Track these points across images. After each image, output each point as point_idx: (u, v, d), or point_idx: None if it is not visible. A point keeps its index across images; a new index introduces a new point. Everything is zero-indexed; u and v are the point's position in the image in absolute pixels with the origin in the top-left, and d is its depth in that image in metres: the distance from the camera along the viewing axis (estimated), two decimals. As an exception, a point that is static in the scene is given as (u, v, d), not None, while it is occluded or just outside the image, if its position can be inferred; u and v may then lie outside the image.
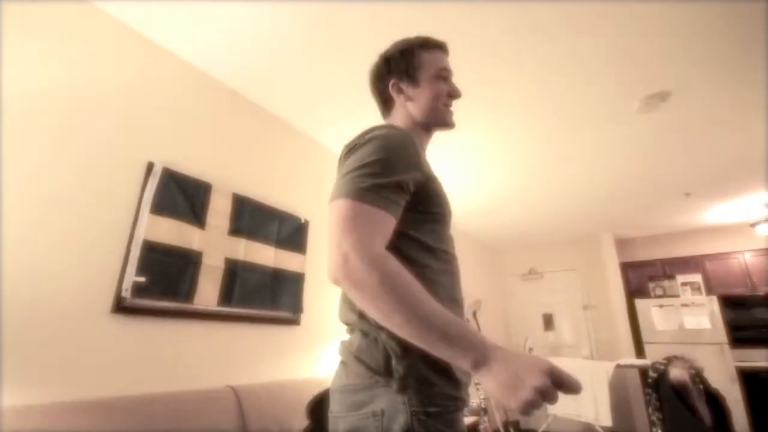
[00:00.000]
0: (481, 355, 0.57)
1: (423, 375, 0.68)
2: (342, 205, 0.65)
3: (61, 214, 1.39)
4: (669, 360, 2.72)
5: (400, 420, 0.65)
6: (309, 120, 2.44)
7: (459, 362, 0.58)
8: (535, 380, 0.52)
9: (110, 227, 1.51)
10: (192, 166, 1.81)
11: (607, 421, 3.39)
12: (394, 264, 0.61)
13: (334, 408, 0.74)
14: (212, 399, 1.50)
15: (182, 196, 1.72)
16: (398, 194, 0.69)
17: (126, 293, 1.48)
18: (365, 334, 0.73)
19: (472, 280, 4.68)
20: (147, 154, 1.67)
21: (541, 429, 3.99)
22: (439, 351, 0.58)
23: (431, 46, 0.93)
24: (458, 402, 0.72)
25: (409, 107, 0.90)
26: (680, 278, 4.43)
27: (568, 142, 2.71)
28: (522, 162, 3.02)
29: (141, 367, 1.50)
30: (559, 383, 0.53)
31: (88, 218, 1.45)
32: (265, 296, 1.98)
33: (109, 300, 1.46)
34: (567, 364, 3.82)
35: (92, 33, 1.59)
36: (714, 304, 3.96)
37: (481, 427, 3.25)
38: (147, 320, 1.55)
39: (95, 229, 1.47)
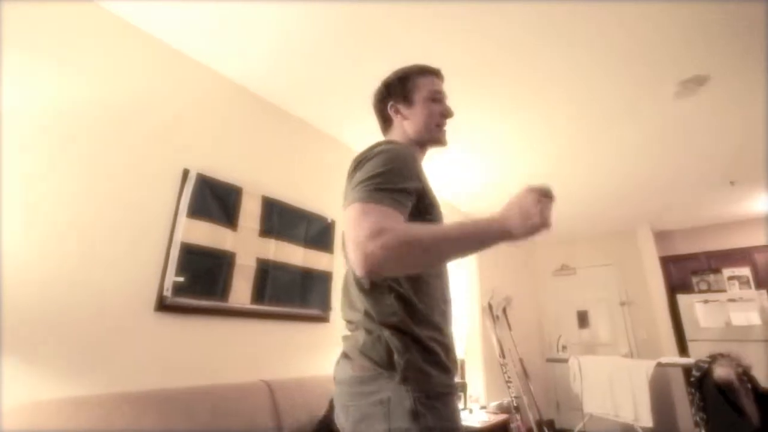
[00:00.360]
0: (502, 226, 0.74)
1: (420, 367, 0.78)
2: (354, 208, 0.72)
3: (108, 219, 1.50)
4: (714, 358, 2.59)
5: (406, 404, 0.74)
6: (333, 122, 2.50)
7: (497, 241, 0.74)
8: (532, 204, 0.73)
9: (152, 231, 1.62)
10: (224, 171, 1.91)
11: (647, 421, 3.25)
12: (402, 226, 0.70)
13: (342, 398, 0.83)
14: (248, 392, 1.58)
15: (215, 200, 1.81)
16: (405, 197, 0.77)
17: (167, 292, 1.58)
18: (369, 332, 0.82)
19: (501, 276, 4.61)
20: (182, 162, 1.77)
21: (577, 428, 3.89)
22: (479, 247, 0.75)
23: (426, 72, 1.05)
24: (450, 387, 0.83)
25: (405, 125, 1.02)
26: (727, 272, 4.18)
27: (601, 131, 2.62)
28: (552, 153, 2.95)
29: (181, 362, 1.60)
30: (542, 194, 0.75)
31: (132, 223, 1.57)
32: (295, 294, 2.05)
33: (152, 299, 1.56)
34: (604, 363, 3.70)
35: (131, 47, 1.70)
36: (764, 299, 3.71)
37: (513, 425, 3.21)
38: (186, 318, 1.64)
39: (139, 233, 1.58)
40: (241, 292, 1.81)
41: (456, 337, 0.95)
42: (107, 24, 1.64)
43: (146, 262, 1.57)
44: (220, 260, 1.76)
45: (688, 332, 4.05)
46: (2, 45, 1.34)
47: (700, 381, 2.60)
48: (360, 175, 0.78)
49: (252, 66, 1.99)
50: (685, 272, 4.52)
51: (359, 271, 0.65)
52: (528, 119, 2.47)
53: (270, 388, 1.66)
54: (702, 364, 2.64)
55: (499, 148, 2.86)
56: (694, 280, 4.39)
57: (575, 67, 2.00)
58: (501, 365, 3.86)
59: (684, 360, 3.47)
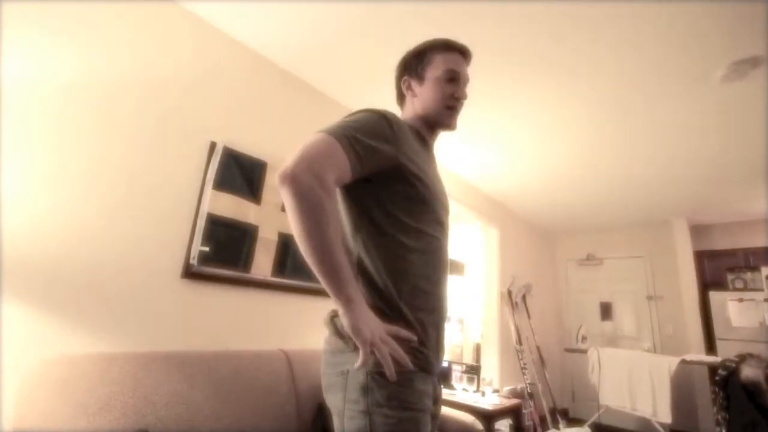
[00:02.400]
0: (348, 302, 0.72)
1: None
2: (318, 135, 0.75)
3: (140, 188, 1.56)
4: (742, 358, 2.49)
5: (360, 378, 0.76)
6: (358, 98, 2.48)
7: (334, 297, 0.72)
8: (368, 336, 0.70)
9: (180, 201, 1.68)
10: (249, 146, 1.94)
11: (666, 417, 3.19)
12: (327, 197, 0.71)
13: (321, 367, 0.88)
14: (267, 359, 1.64)
15: (241, 173, 1.85)
16: (365, 151, 0.77)
17: (194, 260, 1.65)
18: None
19: (524, 263, 4.55)
20: (210, 135, 1.81)
21: (591, 419, 3.87)
22: (324, 283, 0.72)
23: (449, 48, 0.99)
24: (413, 360, 0.79)
25: (414, 103, 1.00)
26: (765, 270, 3.95)
27: (635, 116, 2.49)
28: (585, 136, 2.82)
29: (205, 327, 1.68)
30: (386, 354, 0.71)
31: (163, 192, 1.63)
32: (315, 269, 2.09)
33: (180, 266, 1.63)
34: (625, 356, 3.62)
35: (160, 22, 1.73)
36: (806, 301, 3.50)
37: (525, 411, 3.23)
38: (211, 285, 1.71)
39: (168, 203, 1.64)
40: (262, 264, 1.87)
41: (444, 318, 0.92)
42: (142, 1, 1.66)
43: (175, 231, 1.64)
44: (244, 232, 1.82)
45: (718, 331, 3.89)
46: (27, 18, 1.39)
47: (725, 380, 2.51)
48: (350, 115, 0.84)
49: (279, 40, 1.99)
50: (720, 269, 4.30)
51: (278, 178, 0.70)
52: (561, 100, 2.37)
53: (288, 357, 1.72)
54: (729, 364, 2.55)
55: (526, 131, 2.77)
56: (730, 277, 4.19)
57: (612, 46, 1.88)
58: (517, 351, 3.85)
59: (710, 358, 3.35)
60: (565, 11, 1.69)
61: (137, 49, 1.64)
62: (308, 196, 0.69)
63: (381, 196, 0.84)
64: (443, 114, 0.97)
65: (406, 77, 1.02)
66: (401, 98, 1.05)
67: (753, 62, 1.90)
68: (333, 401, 0.81)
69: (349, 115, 0.84)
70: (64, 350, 1.29)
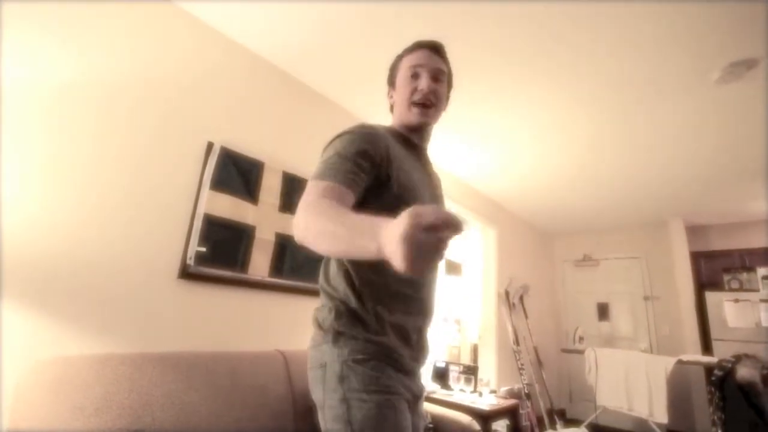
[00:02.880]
0: (377, 244, 0.52)
1: (351, 329, 0.80)
2: (306, 187, 0.76)
3: (137, 188, 1.56)
4: (738, 358, 2.50)
5: (336, 368, 0.77)
6: (356, 99, 2.48)
7: (369, 255, 0.54)
8: (398, 241, 0.46)
9: (177, 201, 1.67)
10: (246, 146, 1.93)
11: (662, 417, 3.21)
12: (319, 202, 0.68)
13: (307, 364, 0.88)
14: (264, 360, 1.64)
15: (238, 173, 1.84)
16: (353, 166, 0.78)
17: (190, 261, 1.64)
18: (324, 298, 0.87)
19: (521, 263, 4.55)
20: (207, 135, 1.81)
21: (589, 420, 3.88)
22: (353, 253, 0.57)
23: (415, 48, 1.00)
24: (388, 358, 0.81)
25: (395, 110, 1.02)
26: (762, 271, 3.97)
27: (634, 117, 2.50)
28: (580, 137, 2.83)
29: (201, 328, 1.67)
30: (425, 226, 0.46)
31: (160, 192, 1.62)
32: (312, 270, 2.09)
33: (176, 266, 1.63)
34: (622, 357, 3.64)
35: (158, 23, 1.72)
36: (801, 302, 3.52)
37: (523, 412, 3.23)
38: (207, 286, 1.71)
39: (165, 202, 1.63)
40: (260, 264, 1.87)
41: (428, 319, 0.92)
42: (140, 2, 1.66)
43: (171, 231, 1.64)
44: (241, 233, 1.81)
45: (714, 331, 3.91)
46: (27, 18, 1.38)
47: (721, 380, 2.52)
48: (322, 155, 0.84)
49: (277, 40, 1.99)
50: (716, 269, 4.33)
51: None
52: (560, 101, 2.38)
53: (285, 357, 1.72)
54: (725, 364, 2.56)
55: (525, 131, 2.77)
56: (726, 277, 4.21)
57: (610, 47, 1.89)
58: (514, 352, 3.86)
59: (706, 358, 3.37)
60: (564, 11, 1.70)
61: (135, 49, 1.63)
62: (298, 233, 0.68)
63: (370, 203, 0.82)
64: (409, 114, 0.96)
65: (389, 89, 1.06)
66: (391, 109, 1.07)
67: (748, 64, 1.91)
68: (316, 395, 0.82)
69: (327, 147, 0.86)
70: (59, 351, 1.28)
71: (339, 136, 0.85)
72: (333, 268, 0.88)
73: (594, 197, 4.00)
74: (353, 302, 0.82)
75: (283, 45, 2.01)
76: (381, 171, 0.83)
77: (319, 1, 1.71)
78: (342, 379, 0.76)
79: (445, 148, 3.05)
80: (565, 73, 2.10)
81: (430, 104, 0.95)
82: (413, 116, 0.96)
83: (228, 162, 1.82)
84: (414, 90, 0.95)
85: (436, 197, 1.03)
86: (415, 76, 0.96)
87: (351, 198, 0.75)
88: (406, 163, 0.91)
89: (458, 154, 3.18)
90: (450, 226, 0.48)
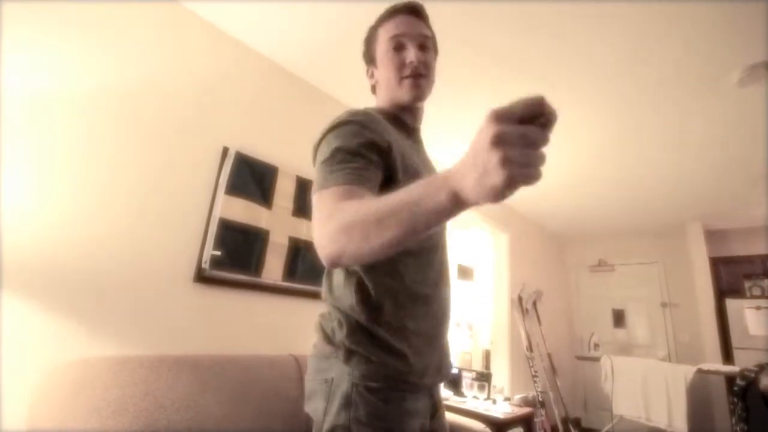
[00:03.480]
0: (450, 188, 0.42)
1: (366, 348, 0.71)
2: (314, 198, 0.67)
3: (153, 192, 1.58)
4: (761, 368, 2.42)
5: (343, 388, 0.70)
6: (370, 102, 2.48)
7: (446, 211, 0.44)
8: (486, 149, 0.36)
9: (193, 207, 1.69)
10: (261, 150, 1.95)
11: (682, 428, 3.11)
12: (342, 206, 0.58)
13: (307, 371, 0.81)
14: (276, 364, 1.64)
15: (252, 178, 1.86)
16: (363, 161, 0.68)
17: (206, 265, 1.66)
18: (329, 306, 0.80)
19: (534, 268, 4.49)
20: (223, 140, 1.83)
21: (605, 429, 3.79)
22: (425, 220, 0.46)
23: (389, 16, 0.87)
24: (404, 383, 0.73)
25: (380, 90, 0.91)
26: (785, 278, 3.86)
27: (650, 118, 2.45)
28: (596, 140, 2.79)
29: (215, 331, 1.68)
30: (509, 122, 0.37)
31: (176, 196, 1.64)
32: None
33: (192, 270, 1.64)
34: (639, 365, 3.55)
35: (176, 31, 1.76)
36: (828, 310, 3.40)
37: (537, 420, 3.17)
38: (222, 290, 1.72)
39: (181, 208, 1.66)
40: (273, 268, 1.87)
41: (445, 324, 0.85)
42: (159, 8, 1.69)
43: (187, 236, 1.65)
44: (255, 237, 1.82)
45: (735, 339, 3.79)
46: (35, 25, 1.42)
47: (744, 390, 2.44)
48: (319, 156, 0.73)
49: (290, 45, 2.01)
50: (737, 275, 4.21)
51: (323, 262, 0.59)
52: (573, 104, 2.35)
53: (297, 362, 1.72)
54: (748, 374, 2.48)
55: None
56: (747, 284, 4.09)
57: (624, 50, 1.86)
58: (528, 359, 3.80)
59: (728, 368, 3.26)
60: (576, 15, 1.68)
61: (152, 56, 1.66)
62: (340, 248, 0.55)
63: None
64: (400, 91, 0.84)
65: (367, 67, 0.94)
66: (373, 90, 0.96)
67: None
68: (313, 409, 0.75)
69: (320, 142, 0.76)
70: (80, 353, 1.30)
71: (333, 127, 0.74)
72: (338, 278, 0.79)
73: (608, 200, 3.93)
74: (365, 316, 0.73)
75: (297, 49, 2.03)
76: (389, 162, 0.73)
77: (332, 4, 1.72)
78: (349, 404, 0.69)
79: (457, 151, 3.04)
80: (579, 75, 2.08)
81: (421, 75, 0.83)
82: (406, 92, 0.84)
83: (243, 167, 1.83)
84: (402, 64, 0.83)
85: None
86: (398, 47, 0.84)
87: (370, 197, 0.63)
88: (406, 148, 0.81)
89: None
90: (543, 109, 0.38)
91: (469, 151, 0.40)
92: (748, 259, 4.23)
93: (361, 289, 0.75)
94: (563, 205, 4.11)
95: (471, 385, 2.78)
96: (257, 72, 2.05)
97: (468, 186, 0.40)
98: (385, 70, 0.86)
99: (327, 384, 0.73)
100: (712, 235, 4.48)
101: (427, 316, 0.79)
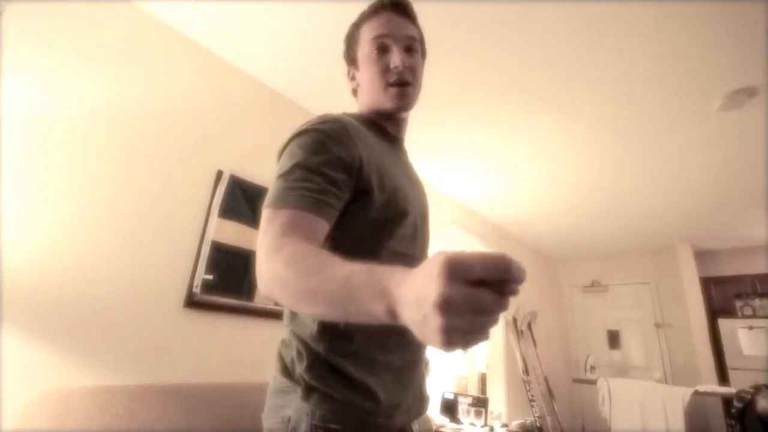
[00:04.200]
0: (387, 306, 0.36)
1: (328, 384, 0.62)
2: (263, 214, 0.60)
3: (144, 217, 1.57)
4: (757, 389, 2.41)
5: (302, 429, 0.60)
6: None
7: (374, 319, 0.39)
8: (433, 307, 0.30)
9: (185, 229, 1.68)
10: (255, 173, 1.96)
11: (681, 452, 3.06)
12: (286, 245, 0.51)
13: (264, 407, 0.71)
14: (268, 392, 1.59)
15: (246, 201, 1.86)
16: (318, 183, 0.60)
17: (197, 289, 1.63)
18: (288, 332, 0.71)
19: (528, 289, 4.49)
20: (217, 163, 1.83)
21: (604, 454, 3.70)
22: (351, 316, 0.42)
23: (373, 13, 0.78)
24: (371, 425, 0.64)
25: (362, 94, 0.82)
26: (775, 297, 3.90)
27: (637, 142, 2.52)
28: (586, 164, 2.86)
29: (206, 358, 1.64)
30: (481, 274, 0.30)
31: (168, 220, 1.63)
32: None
33: (182, 295, 1.61)
34: (636, 387, 3.51)
35: (166, 49, 1.78)
36: (818, 329, 3.43)
37: (536, 445, 3.10)
38: (213, 315, 1.69)
39: (174, 232, 1.64)
40: (266, 292, 1.84)
41: (418, 365, 0.74)
42: (142, 25, 1.71)
43: (179, 260, 1.63)
44: (248, 260, 1.80)
45: (730, 360, 3.79)
46: (39, 47, 1.44)
47: (741, 413, 2.42)
48: (279, 166, 0.65)
49: (284, 70, 2.05)
50: (727, 295, 4.24)
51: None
52: (563, 126, 2.41)
53: (290, 389, 1.67)
54: (745, 395, 2.47)
55: (529, 157, 2.80)
56: (738, 304, 4.12)
57: (613, 75, 1.93)
58: (524, 382, 3.74)
59: (724, 389, 3.24)
60: (566, 39, 1.74)
61: (150, 82, 1.68)
62: (270, 291, 0.51)
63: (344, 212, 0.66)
64: (384, 99, 0.76)
65: (348, 68, 0.85)
66: (354, 93, 0.88)
67: (749, 92, 1.94)
68: None
69: (283, 151, 0.68)
70: (63, 382, 1.25)
71: (299, 134, 0.66)
72: None
73: (599, 222, 3.99)
74: (328, 346, 0.64)
75: (291, 73, 2.07)
76: (360, 179, 0.65)
77: (320, 29, 1.77)
78: None
79: (448, 173, 3.08)
80: (568, 101, 2.14)
81: (407, 83, 0.75)
82: (389, 100, 0.76)
83: (236, 189, 1.83)
84: (386, 68, 0.75)
85: (424, 204, 0.82)
86: (382, 49, 0.76)
87: (324, 228, 0.59)
88: (388, 161, 0.73)
89: (461, 179, 3.20)
90: (508, 275, 0.30)
91: (414, 285, 0.33)
92: (737, 279, 4.28)
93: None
94: (555, 226, 4.16)
95: (467, 411, 2.72)
96: (252, 96, 2.08)
97: (408, 319, 0.34)
98: (367, 74, 0.77)
99: (284, 423, 0.62)
100: (701, 255, 4.54)
101: (401, 348, 0.69)
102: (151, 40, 1.72)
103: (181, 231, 1.66)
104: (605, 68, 1.88)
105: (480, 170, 3.01)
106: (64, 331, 1.31)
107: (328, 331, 0.64)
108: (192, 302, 1.62)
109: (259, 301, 1.81)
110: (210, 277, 1.66)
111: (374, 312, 0.38)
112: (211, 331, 1.67)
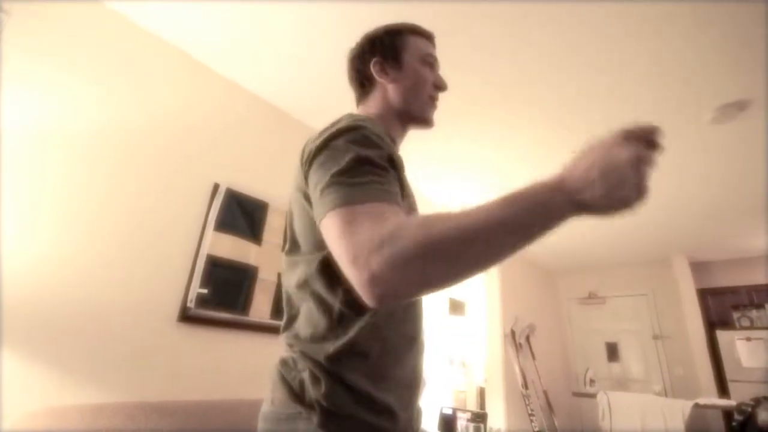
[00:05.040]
0: (569, 197, 0.45)
1: (349, 408, 0.58)
2: (333, 218, 0.50)
3: (139, 231, 1.55)
4: (758, 401, 2.39)
5: None
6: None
7: (562, 219, 0.46)
8: (629, 165, 0.44)
9: (180, 243, 1.66)
10: (252, 186, 1.95)
11: (683, 467, 3.01)
12: (413, 223, 0.45)
13: None
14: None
15: (242, 214, 1.85)
16: (390, 177, 0.57)
17: (191, 303, 1.61)
18: (294, 353, 0.65)
19: (526, 302, 4.47)
20: (213, 177, 1.83)
21: (606, 470, 3.64)
22: (536, 231, 0.46)
23: (419, 33, 0.83)
24: None
25: (389, 90, 0.79)
26: (771, 308, 3.90)
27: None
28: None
29: (199, 374, 1.61)
30: (644, 137, 0.47)
31: (163, 234, 1.62)
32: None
33: (176, 309, 1.59)
34: (636, 401, 3.48)
35: (162, 64, 1.80)
36: (816, 340, 3.43)
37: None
38: (207, 330, 1.66)
39: (169, 246, 1.62)
40: (261, 306, 1.83)
41: (422, 375, 0.73)
42: (139, 41, 1.73)
43: (173, 273, 1.61)
44: (243, 274, 1.79)
45: (729, 372, 3.77)
46: (35, 62, 1.45)
47: (743, 426, 2.39)
48: (321, 173, 0.56)
49: (281, 84, 2.07)
50: (725, 306, 4.25)
51: (369, 301, 0.45)
52: (558, 139, 2.43)
53: (285, 406, 1.64)
54: (745, 408, 2.44)
55: (523, 169, 2.82)
56: (735, 315, 4.12)
57: (604, 88, 1.97)
58: (524, 396, 3.69)
59: (724, 402, 3.22)
60: (559, 53, 1.78)
61: (147, 96, 1.69)
62: (419, 268, 0.43)
63: None
64: (426, 106, 0.80)
65: (378, 58, 0.80)
66: (366, 86, 0.82)
67: (740, 105, 1.98)
68: None
69: (326, 146, 0.59)
70: (50, 401, 1.22)
71: (342, 131, 0.59)
72: (310, 317, 0.64)
73: (595, 234, 4.00)
74: (347, 365, 0.60)
75: (287, 88, 2.09)
76: (399, 180, 0.63)
77: (321, 45, 1.79)
78: None
79: (442, 184, 3.09)
80: (562, 112, 2.17)
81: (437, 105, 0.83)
82: (430, 111, 0.80)
83: (233, 203, 1.83)
84: (437, 83, 0.81)
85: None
86: (432, 66, 0.82)
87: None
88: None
89: (455, 189, 3.21)
90: (654, 134, 0.47)
91: (583, 169, 0.46)
92: (734, 290, 4.29)
93: (344, 332, 0.61)
94: (552, 238, 4.15)
95: (466, 428, 2.67)
96: (249, 110, 2.09)
97: (595, 197, 0.44)
98: (415, 78, 0.78)
99: None
100: (698, 267, 4.56)
101: (411, 361, 0.68)
102: (151, 56, 1.73)
103: (177, 244, 1.65)
104: (600, 82, 1.91)
105: (475, 181, 3.03)
106: (56, 346, 1.29)
107: (349, 349, 0.60)
108: (186, 316, 1.60)
109: (254, 315, 1.79)
110: (205, 291, 1.64)
111: (557, 203, 0.45)
112: (204, 346, 1.65)
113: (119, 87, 1.62)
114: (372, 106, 0.81)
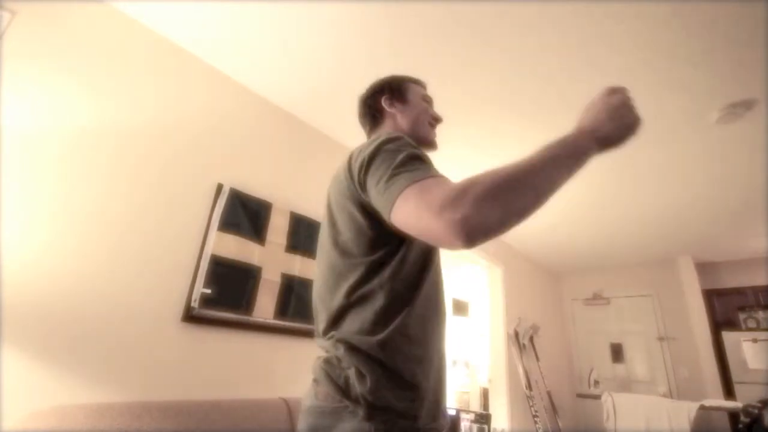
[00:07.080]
0: (592, 135, 0.65)
1: (391, 397, 0.63)
2: (407, 194, 0.57)
3: (143, 231, 1.56)
4: (765, 403, 2.37)
5: None
6: (362, 141, 2.53)
7: (592, 153, 0.64)
8: (622, 102, 0.69)
9: (184, 243, 1.67)
10: (255, 187, 1.96)
11: (689, 469, 2.98)
12: (480, 174, 0.55)
13: (303, 427, 0.69)
14: (266, 409, 1.56)
15: (246, 214, 1.85)
16: (433, 167, 0.68)
17: (195, 303, 1.61)
18: (339, 349, 0.69)
19: (529, 302, 4.45)
20: (217, 177, 1.83)
21: (610, 472, 3.61)
22: (575, 165, 0.61)
23: (417, 82, 1.06)
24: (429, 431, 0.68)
25: (398, 119, 0.97)
26: (778, 309, 3.86)
27: (636, 156, 2.53)
28: (587, 177, 2.86)
29: (203, 374, 1.61)
30: (619, 90, 0.72)
31: (167, 235, 1.62)
32: (318, 311, 2.04)
33: (180, 309, 1.59)
34: (641, 402, 3.45)
35: (166, 63, 1.80)
36: (824, 342, 3.39)
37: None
38: (211, 330, 1.66)
39: (172, 245, 1.63)
40: (265, 306, 1.83)
41: (444, 365, 0.78)
42: (142, 40, 1.74)
43: (177, 273, 1.62)
44: (247, 274, 1.79)
45: (735, 373, 3.73)
46: (36, 60, 1.45)
47: (749, 428, 2.37)
48: (382, 171, 0.63)
49: (286, 85, 2.07)
50: (730, 307, 4.20)
51: (456, 241, 0.50)
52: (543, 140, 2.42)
53: (288, 406, 1.64)
54: (752, 410, 2.42)
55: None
56: (741, 316, 4.08)
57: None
58: (527, 398, 3.67)
59: (731, 404, 3.18)
60: (562, 57, 1.77)
61: (148, 95, 1.70)
62: (500, 203, 0.52)
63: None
64: (429, 130, 0.99)
65: (387, 95, 0.99)
66: (378, 116, 1.00)
67: (747, 105, 1.96)
68: None
69: (380, 150, 0.68)
70: (54, 400, 1.22)
71: (389, 140, 0.69)
72: (362, 309, 0.70)
73: (600, 235, 3.97)
74: (395, 353, 0.65)
75: (293, 89, 2.09)
76: None
77: (325, 47, 1.79)
78: None
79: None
80: (571, 114, 2.16)
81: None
82: (432, 134, 1.00)
83: (236, 203, 1.83)
84: (435, 115, 1.01)
85: None
86: (428, 104, 1.02)
87: None
88: None
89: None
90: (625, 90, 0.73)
91: (597, 112, 0.68)
92: (740, 291, 4.25)
93: (393, 317, 0.67)
94: (556, 239, 4.14)
95: (470, 429, 2.66)
96: (253, 110, 2.09)
97: (610, 131, 0.66)
98: (417, 109, 0.99)
99: None
100: (703, 268, 4.52)
101: (442, 343, 0.76)
102: (157, 57, 1.74)
103: (180, 244, 1.65)
104: (604, 84, 1.90)
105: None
106: (59, 346, 1.29)
107: (398, 335, 0.67)
108: (190, 316, 1.60)
109: (258, 315, 1.79)
110: (209, 291, 1.65)
111: (591, 148, 0.64)
112: (208, 346, 1.65)
113: (126, 88, 1.62)
114: (388, 127, 0.98)
